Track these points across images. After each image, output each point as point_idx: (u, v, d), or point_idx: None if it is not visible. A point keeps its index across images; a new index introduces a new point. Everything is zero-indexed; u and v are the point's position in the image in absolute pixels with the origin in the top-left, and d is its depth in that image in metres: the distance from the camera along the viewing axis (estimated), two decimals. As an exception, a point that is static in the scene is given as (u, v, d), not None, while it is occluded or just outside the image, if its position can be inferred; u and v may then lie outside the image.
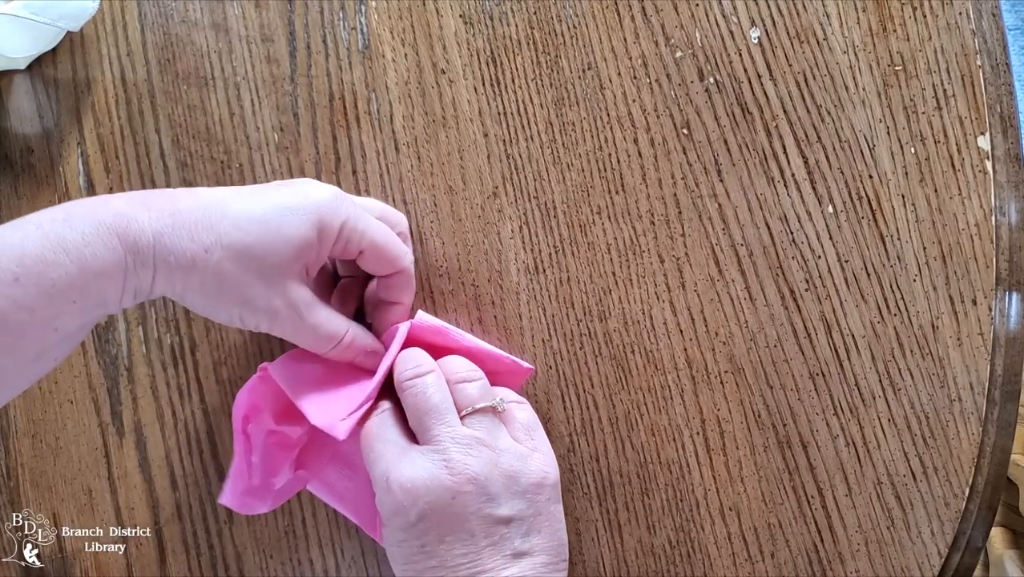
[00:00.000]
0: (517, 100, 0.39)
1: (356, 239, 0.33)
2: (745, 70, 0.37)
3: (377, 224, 0.34)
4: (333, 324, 0.34)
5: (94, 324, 0.31)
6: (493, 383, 0.36)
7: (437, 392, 0.33)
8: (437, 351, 0.36)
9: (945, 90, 0.36)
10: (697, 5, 0.38)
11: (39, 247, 0.27)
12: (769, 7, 0.37)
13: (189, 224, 0.30)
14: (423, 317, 0.37)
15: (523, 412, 0.35)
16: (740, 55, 0.37)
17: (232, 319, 0.32)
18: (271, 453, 0.36)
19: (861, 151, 0.36)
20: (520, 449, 0.33)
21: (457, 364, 0.35)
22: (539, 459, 0.33)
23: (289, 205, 0.32)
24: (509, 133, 0.39)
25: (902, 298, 0.36)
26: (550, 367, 0.39)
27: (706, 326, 0.37)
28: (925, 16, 0.36)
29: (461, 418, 0.33)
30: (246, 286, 0.31)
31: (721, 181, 0.37)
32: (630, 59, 0.38)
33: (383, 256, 0.35)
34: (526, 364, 0.38)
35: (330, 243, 0.33)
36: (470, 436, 0.32)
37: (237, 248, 0.30)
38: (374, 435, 0.33)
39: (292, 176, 0.41)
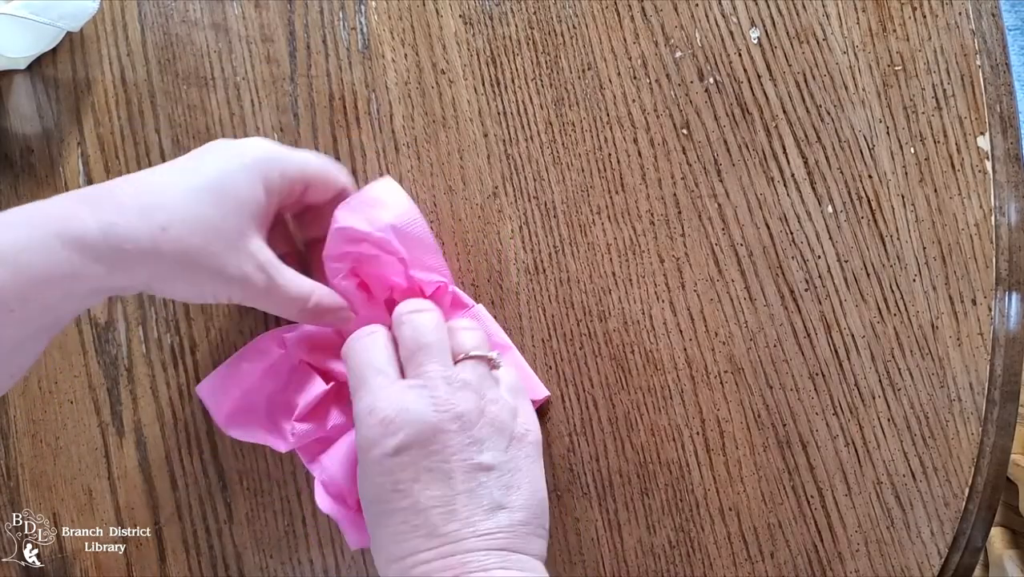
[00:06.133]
0: (517, 100, 0.39)
1: (298, 177, 0.34)
2: (745, 70, 0.37)
3: (300, 155, 0.34)
4: (301, 282, 0.33)
5: (51, 331, 0.30)
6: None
7: (436, 331, 0.32)
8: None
9: (945, 90, 0.36)
10: (697, 5, 0.38)
11: None
12: (769, 7, 0.37)
13: (137, 208, 0.28)
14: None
15: (509, 375, 0.35)
16: (740, 55, 0.37)
17: (204, 295, 0.31)
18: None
19: (861, 151, 0.36)
20: (508, 402, 0.32)
21: (460, 320, 0.35)
22: (525, 413, 0.33)
23: (231, 169, 0.31)
24: (509, 133, 0.39)
25: (902, 298, 0.36)
26: (550, 367, 0.39)
27: (706, 326, 0.37)
28: (925, 16, 0.36)
29: (455, 363, 0.32)
30: (214, 256, 0.30)
31: (721, 181, 0.37)
32: (630, 59, 0.38)
33: (325, 178, 0.35)
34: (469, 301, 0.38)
35: (276, 194, 0.33)
36: (461, 379, 0.31)
37: (194, 219, 0.29)
38: (363, 361, 0.32)
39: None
